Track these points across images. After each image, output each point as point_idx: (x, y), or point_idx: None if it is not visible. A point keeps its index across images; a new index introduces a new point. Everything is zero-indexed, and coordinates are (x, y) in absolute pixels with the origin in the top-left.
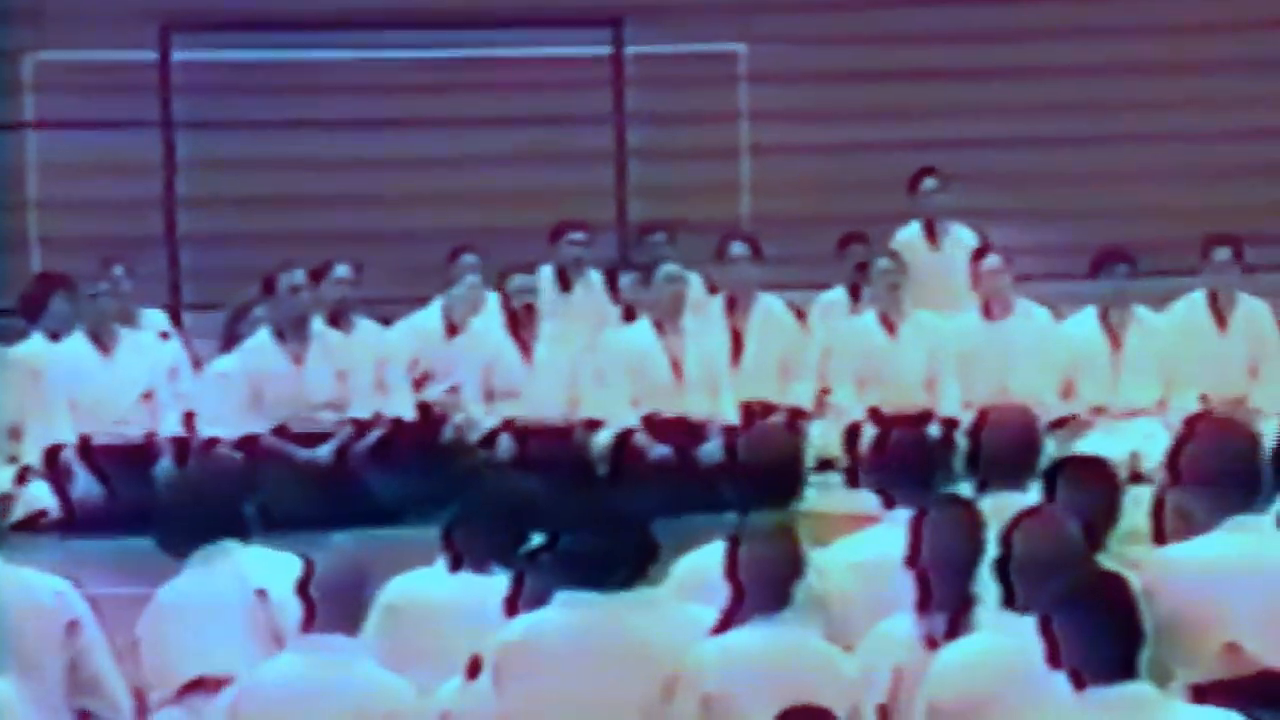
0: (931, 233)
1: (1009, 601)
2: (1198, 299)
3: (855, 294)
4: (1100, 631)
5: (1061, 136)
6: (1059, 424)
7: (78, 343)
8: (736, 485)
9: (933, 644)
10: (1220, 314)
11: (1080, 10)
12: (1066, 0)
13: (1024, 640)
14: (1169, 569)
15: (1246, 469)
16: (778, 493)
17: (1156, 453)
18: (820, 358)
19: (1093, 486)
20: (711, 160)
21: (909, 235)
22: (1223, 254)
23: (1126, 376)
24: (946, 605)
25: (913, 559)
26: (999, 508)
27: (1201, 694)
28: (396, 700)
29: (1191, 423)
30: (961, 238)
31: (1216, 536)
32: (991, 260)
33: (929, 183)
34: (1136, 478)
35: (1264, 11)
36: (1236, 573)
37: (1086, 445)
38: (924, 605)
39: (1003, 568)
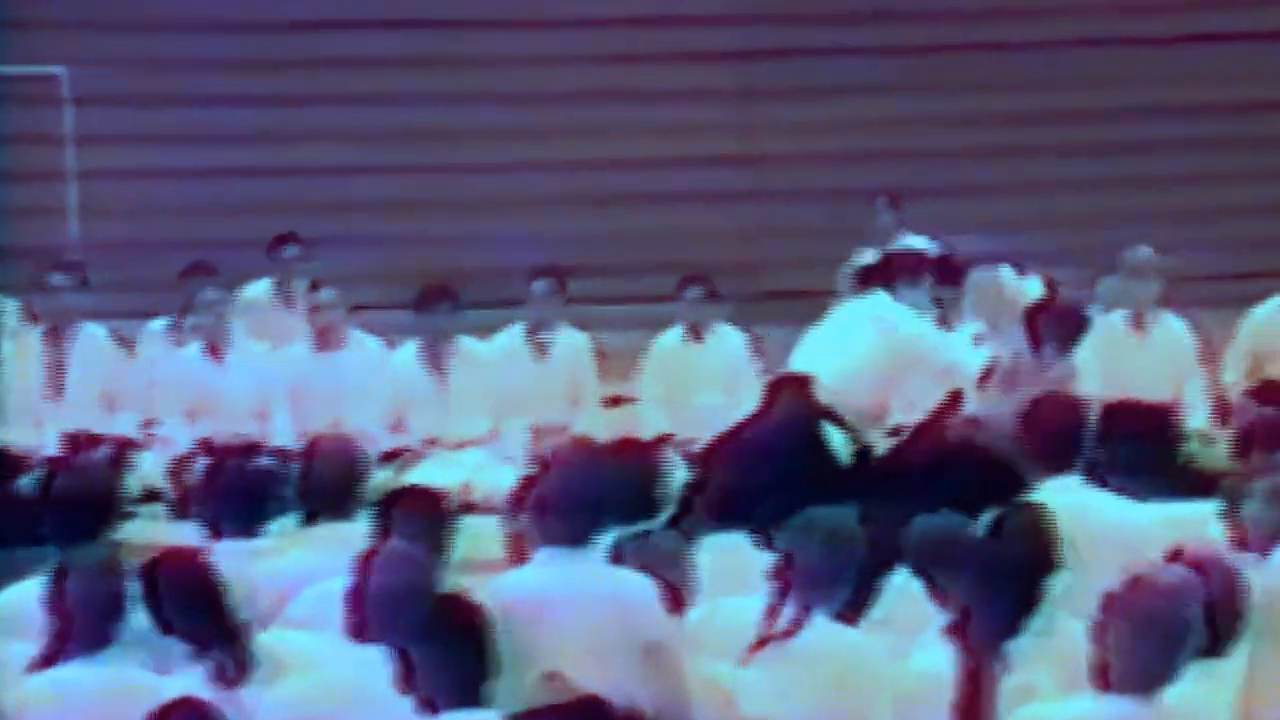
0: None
1: (359, 633)
2: (517, 330)
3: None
4: (451, 660)
5: (392, 166)
6: (390, 456)
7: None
8: (53, 518)
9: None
10: (540, 344)
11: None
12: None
13: (364, 668)
14: (497, 597)
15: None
16: (94, 525)
17: (489, 482)
18: (147, 387)
19: (425, 516)
20: (37, 183)
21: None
22: (542, 286)
23: (453, 408)
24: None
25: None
26: (328, 536)
27: None
28: None
29: None
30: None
31: (537, 567)
32: (325, 294)
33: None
34: (469, 508)
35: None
36: (555, 601)
37: (418, 476)
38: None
39: (357, 599)
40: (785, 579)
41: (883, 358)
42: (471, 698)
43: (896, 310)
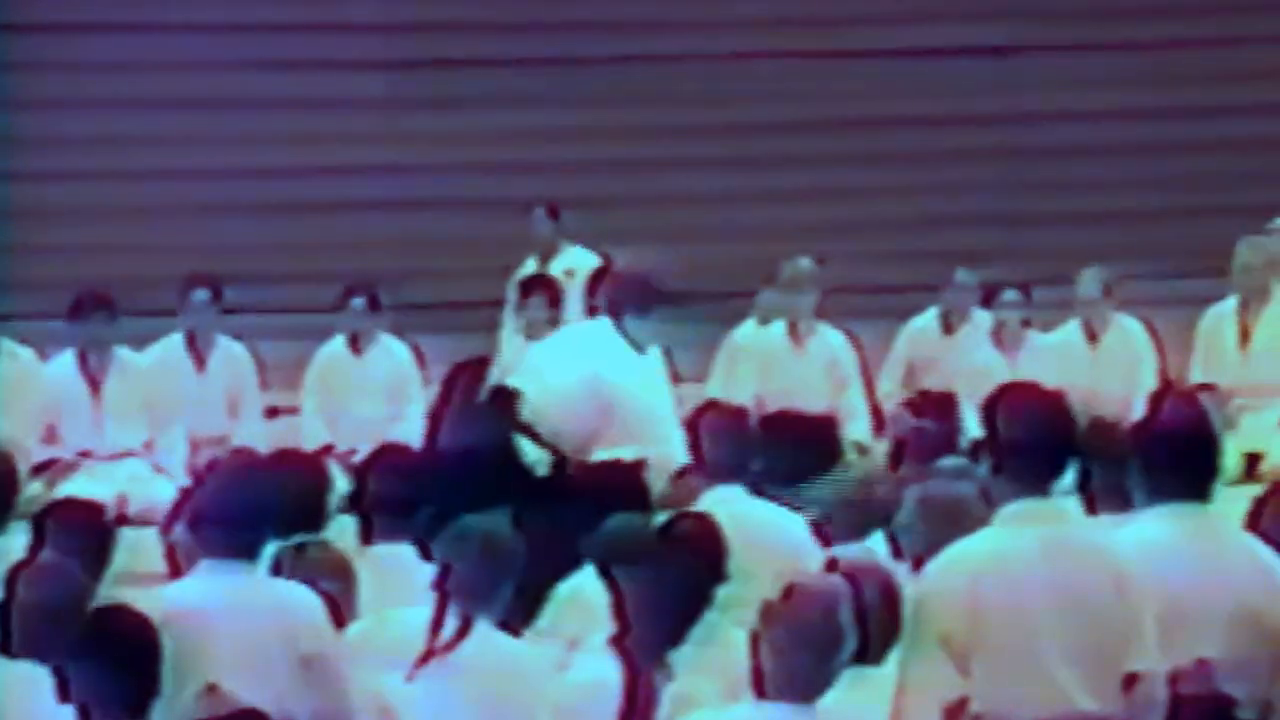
0: None
1: (4, 648)
2: (175, 340)
3: None
4: (112, 676)
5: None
6: (42, 468)
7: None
8: None
9: None
10: (199, 354)
11: None
12: None
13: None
14: (156, 610)
15: None
16: None
17: (145, 493)
18: None
19: (82, 529)
20: None
21: None
22: (201, 295)
23: (109, 419)
24: None
25: None
26: None
27: None
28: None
29: None
30: None
31: (197, 579)
32: None
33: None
34: (124, 519)
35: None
36: (215, 613)
37: (71, 488)
38: None
39: (5, 614)
40: (444, 589)
41: (582, 396)
42: (136, 715)
43: (612, 346)
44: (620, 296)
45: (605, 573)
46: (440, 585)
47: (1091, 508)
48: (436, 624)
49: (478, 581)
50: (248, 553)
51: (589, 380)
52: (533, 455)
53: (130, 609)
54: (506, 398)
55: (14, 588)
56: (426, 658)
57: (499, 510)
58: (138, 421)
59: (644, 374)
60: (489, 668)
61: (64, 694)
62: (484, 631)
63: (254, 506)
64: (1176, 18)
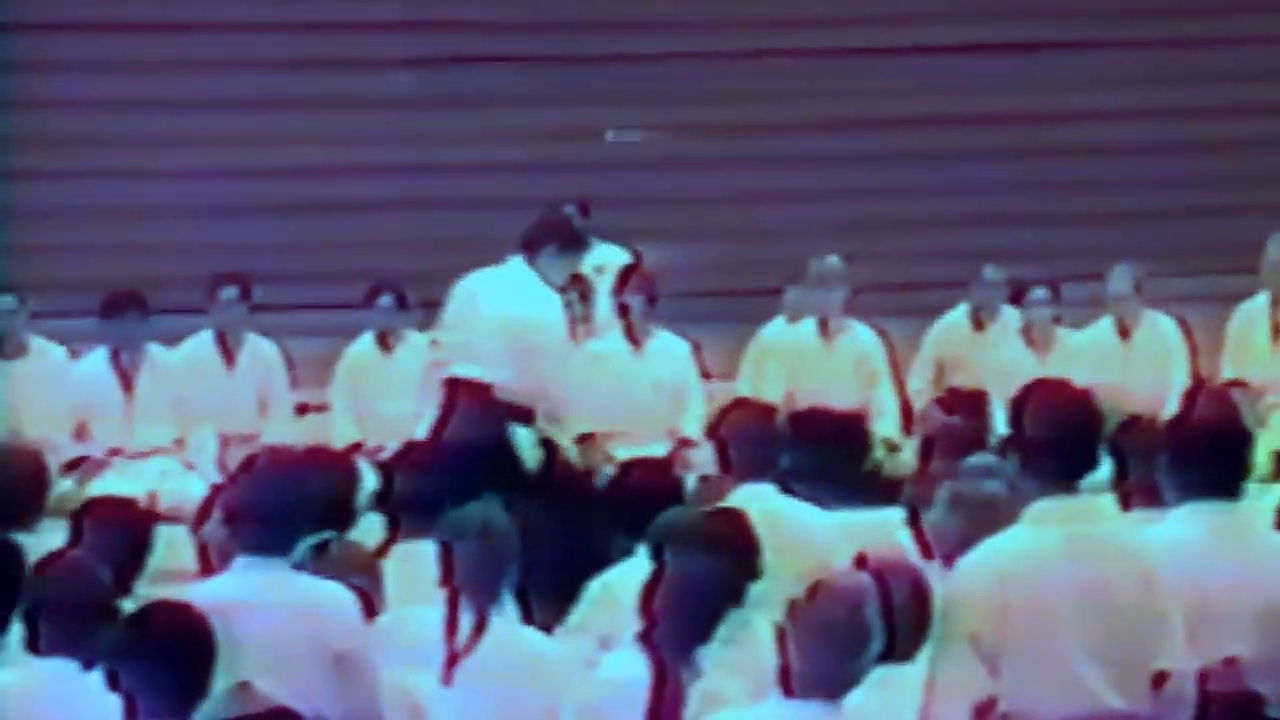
0: None
1: (32, 644)
2: (205, 338)
3: None
4: (163, 670)
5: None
6: (72, 465)
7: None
8: None
9: None
10: (229, 352)
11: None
12: None
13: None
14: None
15: None
16: None
17: (175, 490)
18: None
19: (120, 527)
20: None
21: None
22: (229, 292)
23: (140, 417)
24: None
25: None
26: None
27: None
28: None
29: None
30: None
31: (231, 575)
32: (4, 301)
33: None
34: (155, 516)
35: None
36: (247, 609)
37: (101, 486)
38: None
39: (25, 612)
40: (451, 584)
41: (498, 339)
42: (180, 712)
43: (521, 281)
44: (538, 234)
45: (658, 556)
46: (446, 581)
47: (1126, 504)
48: (451, 621)
49: (481, 571)
50: (282, 549)
51: (504, 324)
52: (526, 445)
53: (188, 607)
54: (478, 392)
55: (41, 585)
56: (452, 660)
57: (491, 498)
58: (168, 419)
59: (554, 311)
60: (514, 665)
61: (113, 684)
62: (508, 628)
63: (289, 503)
64: (1208, 15)
